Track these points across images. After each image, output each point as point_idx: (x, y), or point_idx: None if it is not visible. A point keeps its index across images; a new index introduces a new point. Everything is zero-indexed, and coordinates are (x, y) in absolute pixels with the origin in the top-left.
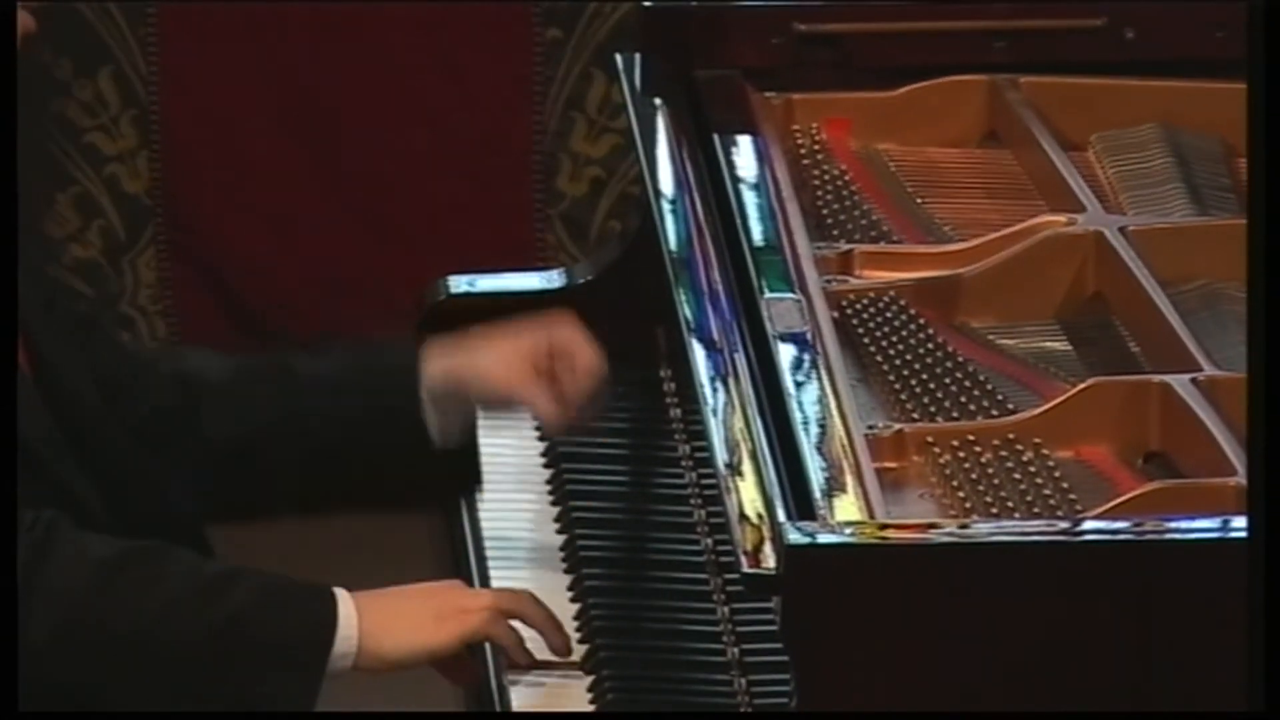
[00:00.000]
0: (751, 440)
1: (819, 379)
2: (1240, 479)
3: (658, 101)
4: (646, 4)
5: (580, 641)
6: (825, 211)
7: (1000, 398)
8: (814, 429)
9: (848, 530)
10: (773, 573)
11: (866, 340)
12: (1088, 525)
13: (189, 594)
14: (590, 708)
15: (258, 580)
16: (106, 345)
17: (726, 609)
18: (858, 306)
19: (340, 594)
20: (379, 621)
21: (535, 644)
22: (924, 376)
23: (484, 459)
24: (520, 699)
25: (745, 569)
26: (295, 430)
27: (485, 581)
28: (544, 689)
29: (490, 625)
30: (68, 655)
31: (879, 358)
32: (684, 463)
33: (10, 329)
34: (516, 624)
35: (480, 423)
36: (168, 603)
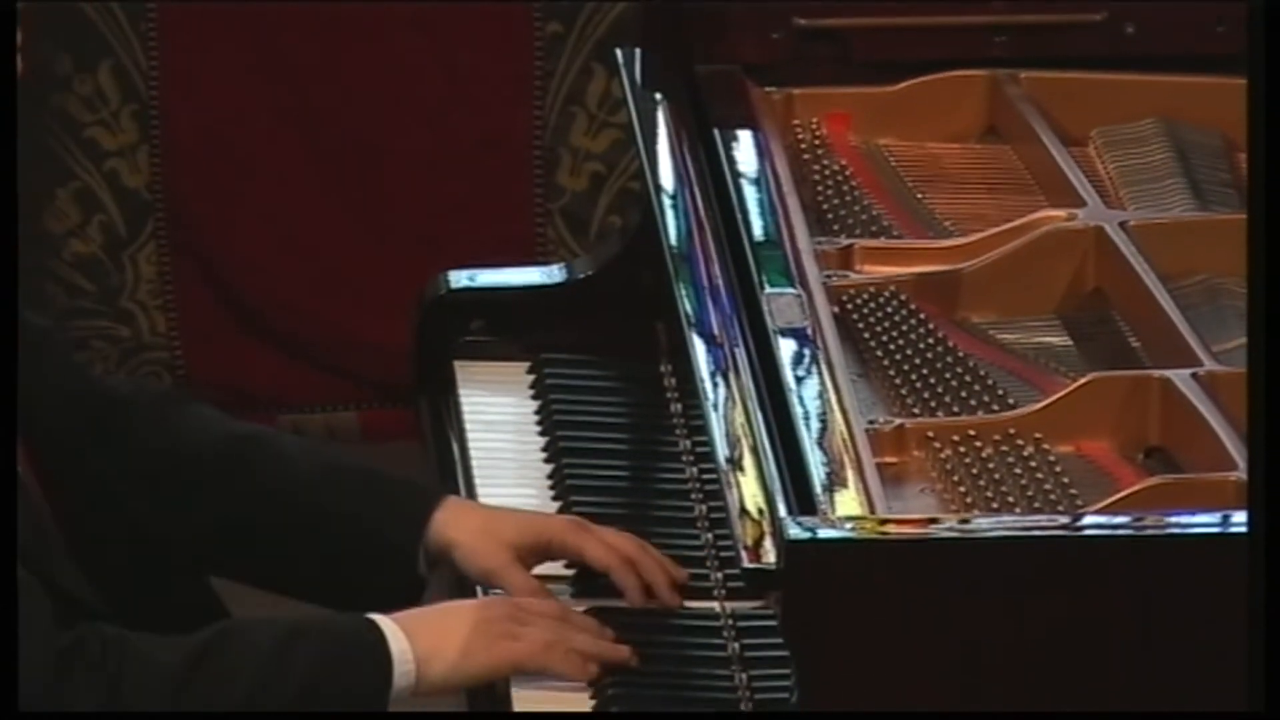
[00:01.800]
0: (752, 435)
1: (819, 374)
2: (1240, 474)
3: (658, 96)
4: None
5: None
6: (825, 206)
7: (1001, 393)
8: (815, 424)
9: (848, 525)
10: (773, 568)
11: (867, 335)
12: (1088, 520)
13: (259, 680)
14: (590, 703)
15: (310, 642)
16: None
17: (727, 604)
18: (858, 301)
19: (388, 630)
20: (432, 647)
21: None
22: (924, 371)
23: (482, 454)
24: (520, 691)
25: (746, 564)
26: (284, 543)
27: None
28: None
29: (545, 654)
30: None
31: (879, 353)
32: (685, 458)
33: (10, 329)
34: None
35: (477, 418)
36: (240, 699)
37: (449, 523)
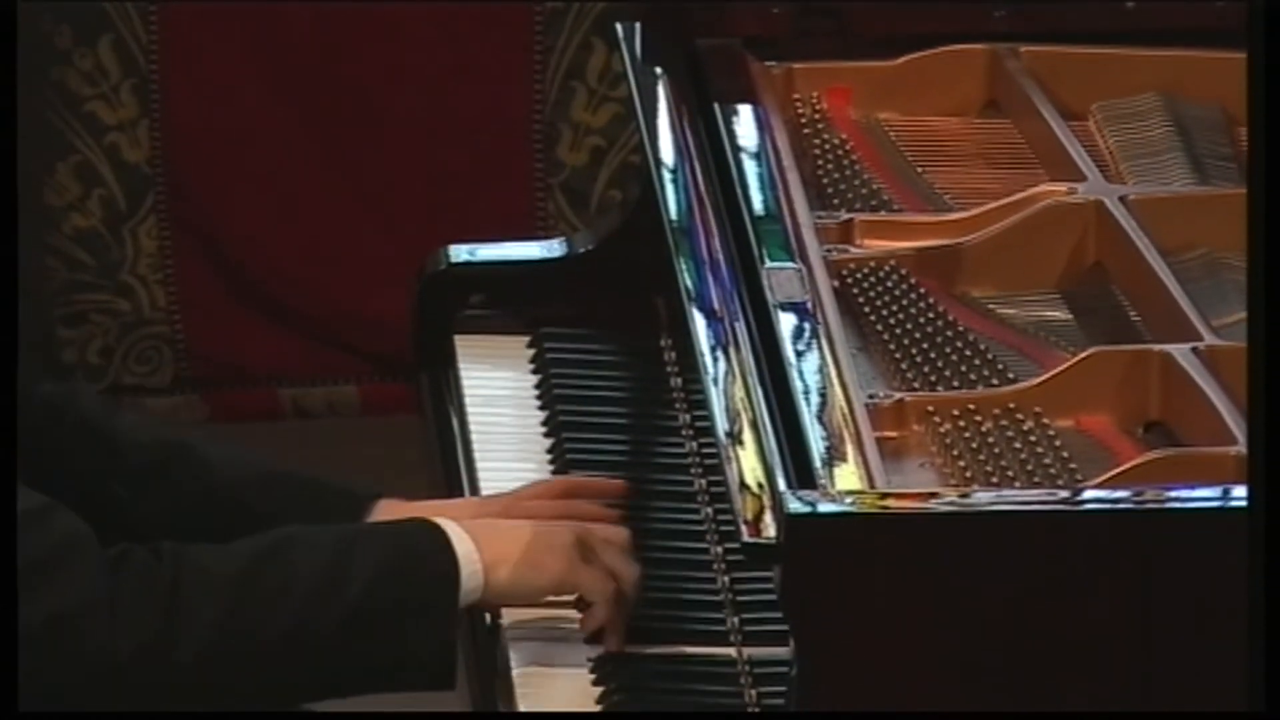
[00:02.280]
0: (752, 409)
1: (819, 348)
2: (1240, 448)
3: (658, 71)
4: None
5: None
6: (825, 181)
7: (1001, 367)
8: (814, 398)
9: (848, 499)
10: (773, 542)
11: (867, 309)
12: (1088, 495)
13: (317, 586)
14: (589, 675)
15: (371, 544)
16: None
17: (727, 578)
18: (858, 276)
19: (452, 533)
20: (500, 556)
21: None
22: (924, 346)
23: (482, 429)
24: (518, 656)
25: (745, 538)
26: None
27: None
28: (542, 646)
29: (603, 601)
30: (218, 675)
31: (879, 327)
32: (684, 432)
33: (10, 330)
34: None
35: (476, 392)
36: (303, 602)
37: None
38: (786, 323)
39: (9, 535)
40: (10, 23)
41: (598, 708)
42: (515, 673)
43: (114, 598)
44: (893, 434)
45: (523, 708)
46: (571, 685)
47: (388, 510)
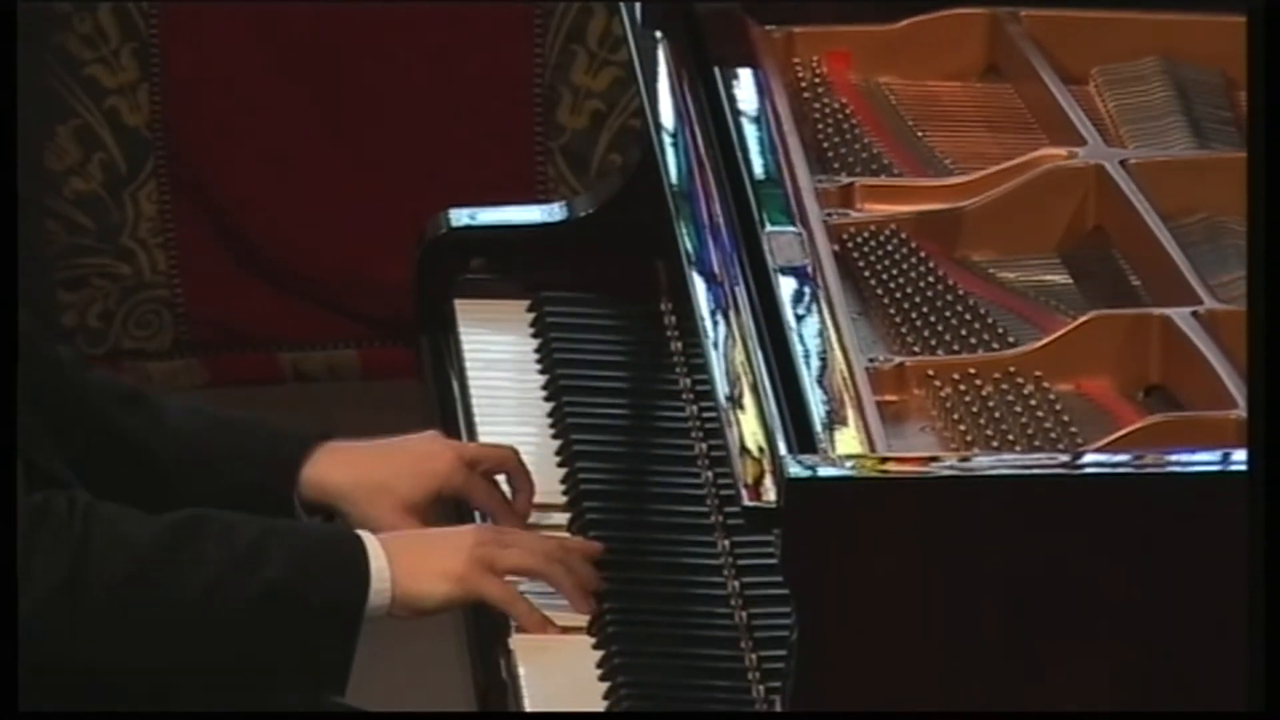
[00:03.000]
0: (752, 373)
1: (820, 312)
2: (1241, 412)
3: (658, 34)
4: None
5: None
6: (826, 145)
7: (1001, 331)
8: (815, 362)
9: (848, 464)
10: (773, 506)
11: (867, 273)
12: (1088, 459)
13: (227, 570)
14: (589, 641)
15: (290, 540)
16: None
17: (727, 542)
18: (858, 240)
19: (370, 544)
20: (412, 567)
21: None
22: (925, 310)
23: (483, 393)
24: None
25: (746, 502)
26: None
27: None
28: (541, 609)
29: (513, 603)
30: (114, 641)
31: (880, 291)
32: (685, 396)
33: (10, 327)
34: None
35: (477, 356)
36: (208, 584)
37: (328, 475)
38: (787, 287)
39: (9, 534)
40: (10, 22)
41: (598, 671)
42: (514, 638)
43: (25, 551)
44: (893, 398)
45: (522, 672)
46: (571, 650)
47: (328, 457)
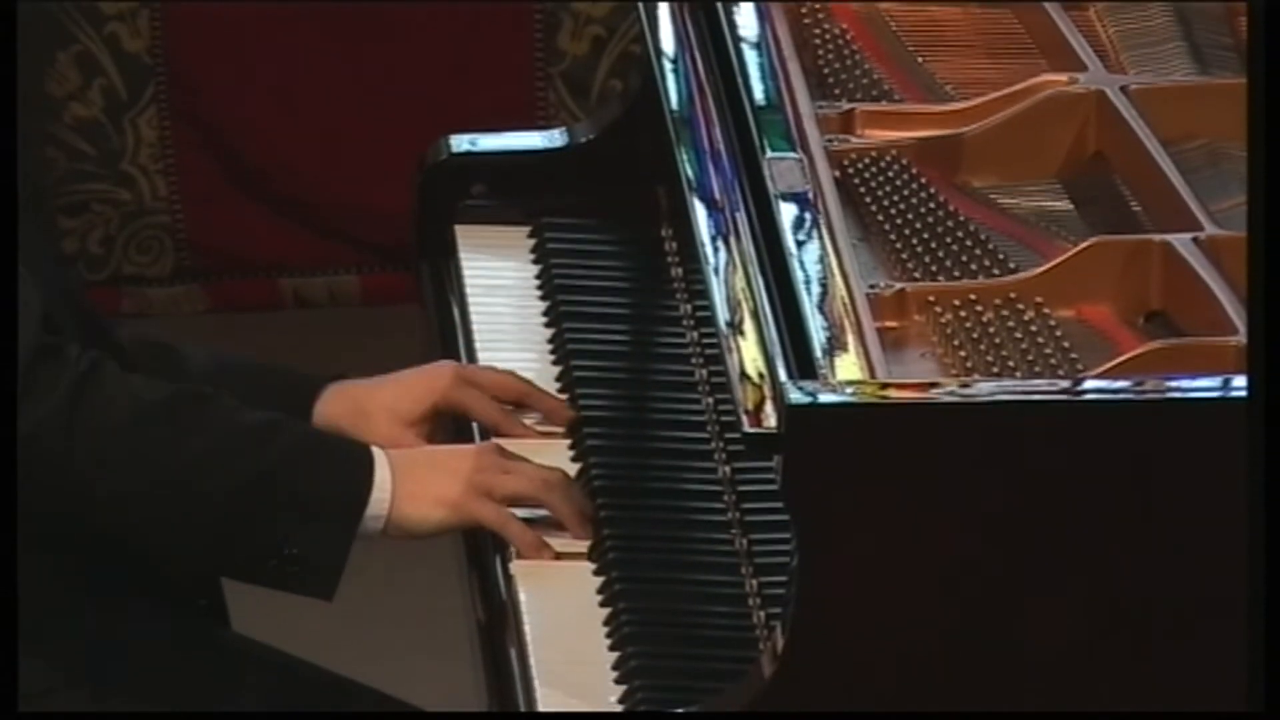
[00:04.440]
0: (753, 299)
1: (820, 238)
2: (1241, 338)
3: None
4: None
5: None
6: (826, 71)
7: (1001, 257)
8: (815, 288)
9: (849, 389)
10: (774, 432)
11: (868, 199)
12: (1089, 384)
13: (228, 441)
14: (590, 567)
15: (298, 433)
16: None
17: (728, 468)
18: (859, 166)
19: (378, 455)
20: (412, 489)
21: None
22: (925, 236)
23: (483, 319)
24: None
25: (746, 428)
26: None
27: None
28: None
29: (507, 526)
30: (106, 489)
31: (880, 217)
32: (685, 322)
33: (10, 323)
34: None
35: (477, 282)
36: (207, 449)
37: (332, 411)
38: (787, 213)
39: (9, 534)
40: (10, 22)
41: (598, 597)
42: (514, 563)
43: (29, 376)
44: (893, 324)
45: (523, 600)
46: (571, 576)
47: (335, 395)
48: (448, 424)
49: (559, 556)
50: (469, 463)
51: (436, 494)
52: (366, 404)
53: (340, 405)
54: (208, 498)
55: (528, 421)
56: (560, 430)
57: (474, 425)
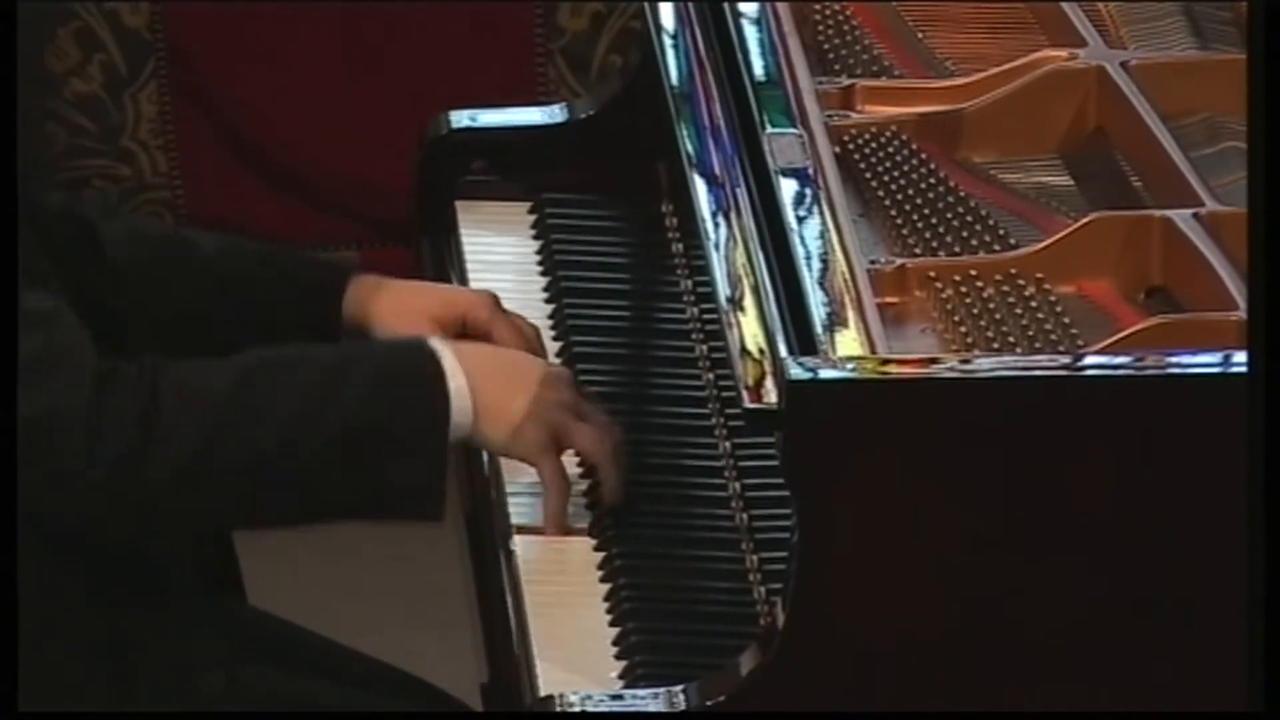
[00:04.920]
0: (753, 275)
1: (821, 214)
2: (1241, 313)
3: None
4: None
5: (582, 476)
6: (826, 46)
7: (1002, 233)
8: (816, 264)
9: (849, 365)
10: (774, 408)
11: (868, 175)
12: (1089, 360)
13: (303, 412)
14: (590, 540)
15: (366, 366)
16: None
17: (728, 444)
18: (859, 141)
19: (447, 361)
20: (488, 405)
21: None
22: (926, 211)
23: None
24: (520, 520)
25: (747, 404)
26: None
27: None
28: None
29: (557, 494)
30: (193, 493)
31: (881, 193)
32: (686, 298)
33: (10, 321)
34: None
35: (478, 258)
36: (287, 424)
37: (362, 298)
38: (788, 188)
39: (9, 535)
40: (10, 22)
41: (599, 573)
42: (516, 539)
43: (95, 412)
44: (894, 300)
45: (523, 575)
46: (572, 552)
47: (364, 285)
48: None
49: (569, 533)
50: (538, 376)
51: (509, 412)
52: (399, 303)
53: (373, 300)
54: (301, 464)
55: None
56: None
57: None
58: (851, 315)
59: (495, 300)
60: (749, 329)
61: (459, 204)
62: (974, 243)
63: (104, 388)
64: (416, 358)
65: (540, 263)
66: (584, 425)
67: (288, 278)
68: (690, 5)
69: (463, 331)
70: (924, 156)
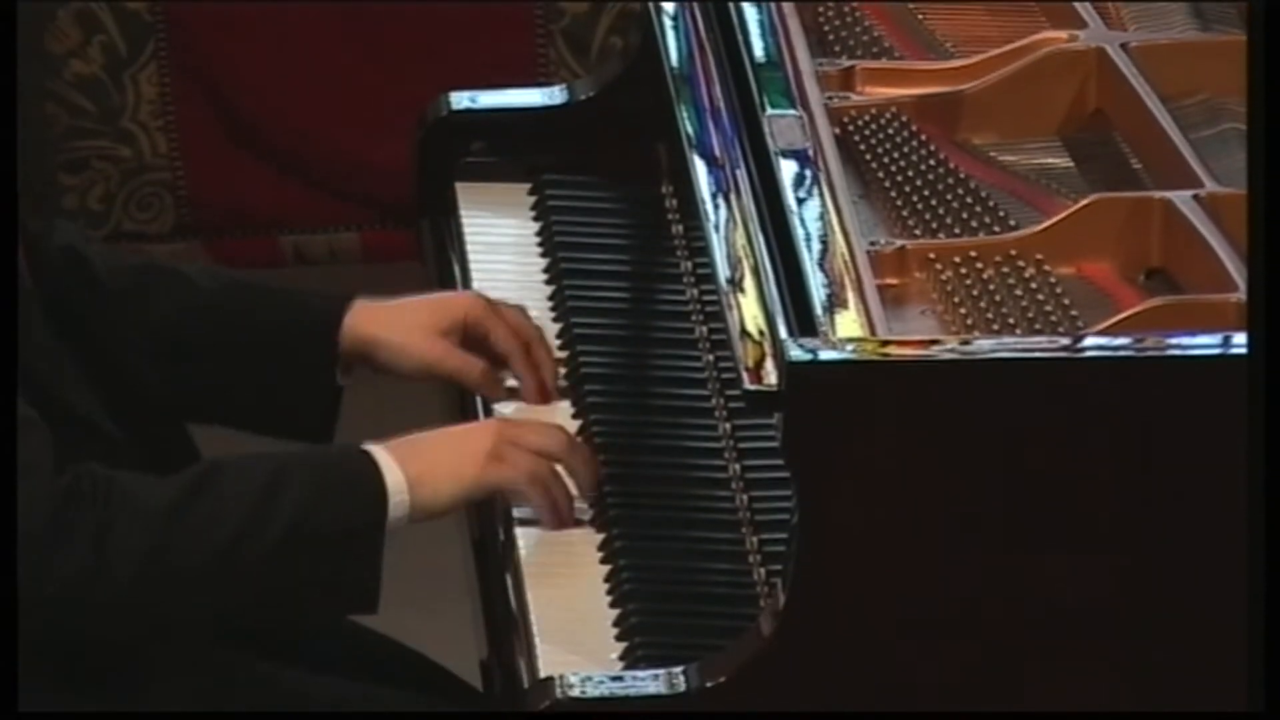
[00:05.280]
0: (753, 256)
1: (821, 195)
2: (1241, 295)
3: None
4: None
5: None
6: (827, 28)
7: (1002, 214)
8: (816, 245)
9: (849, 347)
10: (774, 389)
11: (868, 157)
12: (1089, 342)
13: (245, 520)
14: (596, 535)
15: (301, 475)
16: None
17: (728, 425)
18: (860, 123)
19: (382, 460)
20: (423, 472)
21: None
22: (926, 193)
23: (484, 276)
24: (520, 506)
25: (747, 385)
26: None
27: (486, 403)
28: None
29: (529, 486)
30: (141, 608)
31: (881, 174)
32: (685, 279)
33: (10, 321)
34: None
35: (478, 239)
36: (229, 536)
37: (363, 323)
38: (787, 170)
39: (9, 537)
40: (10, 22)
41: (599, 555)
42: (517, 524)
43: (51, 530)
44: (894, 281)
45: (524, 557)
46: (572, 534)
47: (364, 311)
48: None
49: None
50: (484, 442)
51: (455, 468)
52: (397, 321)
53: (371, 323)
54: (243, 576)
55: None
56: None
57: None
58: (851, 297)
59: (487, 299)
60: (749, 310)
61: (459, 185)
62: (974, 224)
63: (62, 507)
64: (349, 458)
65: (540, 244)
66: (531, 431)
67: (281, 308)
68: None
69: (465, 337)
70: (924, 138)
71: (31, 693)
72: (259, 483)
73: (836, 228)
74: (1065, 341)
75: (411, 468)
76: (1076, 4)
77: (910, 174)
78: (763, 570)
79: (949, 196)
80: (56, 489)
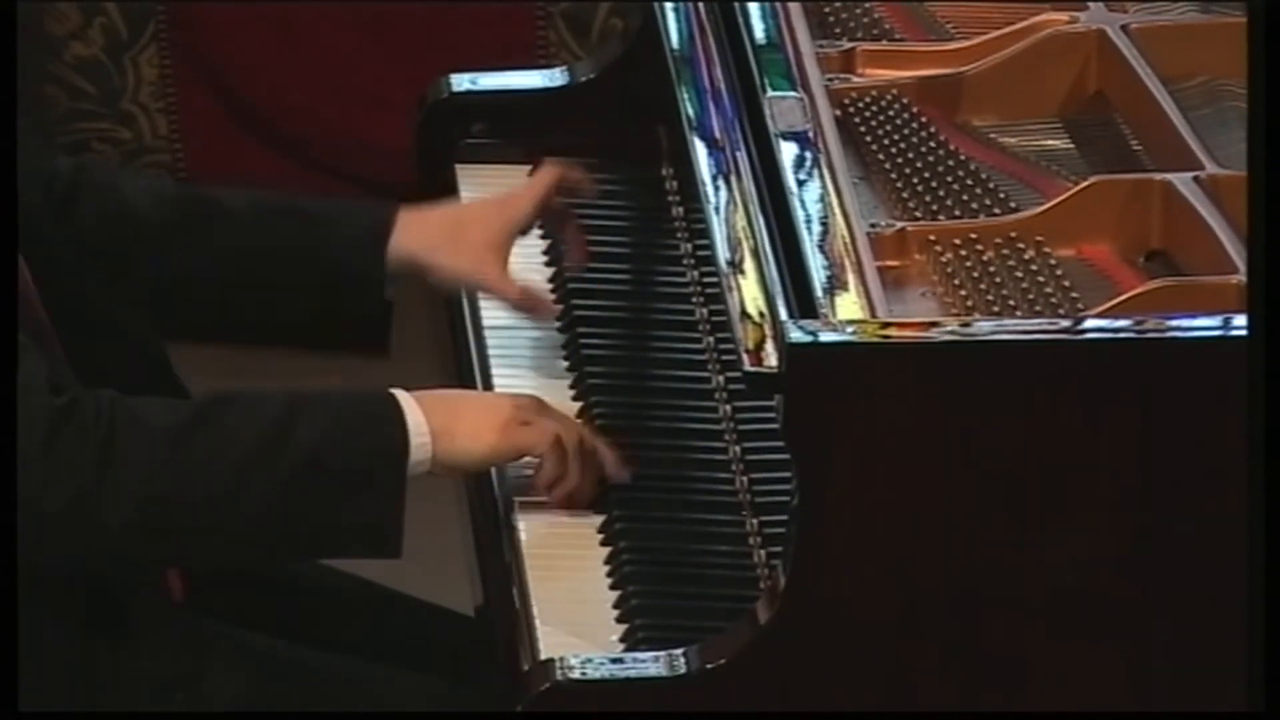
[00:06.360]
0: (753, 238)
1: (821, 177)
2: (1241, 277)
3: None
4: None
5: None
6: (827, 10)
7: (1002, 196)
8: (816, 227)
9: (849, 328)
10: (774, 371)
11: (869, 139)
12: (1089, 323)
13: (258, 447)
14: (597, 518)
15: (319, 409)
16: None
17: (728, 407)
18: (860, 105)
19: (405, 402)
20: (450, 427)
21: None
22: (926, 175)
23: None
24: (519, 487)
25: (747, 367)
26: (244, 285)
27: (487, 379)
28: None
29: (549, 452)
30: (148, 534)
31: (881, 156)
32: (686, 261)
33: (10, 323)
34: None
35: None
36: (241, 462)
37: (411, 243)
38: (788, 152)
39: (9, 536)
40: (10, 22)
41: (599, 537)
42: (518, 507)
43: (50, 450)
44: (894, 263)
45: (523, 537)
46: (573, 515)
47: (410, 222)
48: None
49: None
50: (508, 403)
51: (476, 428)
52: (448, 233)
53: (419, 237)
54: (256, 506)
55: None
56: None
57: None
58: (851, 278)
59: (535, 193)
60: (749, 292)
61: (459, 167)
62: (974, 206)
63: (59, 428)
64: (372, 398)
65: (540, 226)
66: (552, 417)
67: (329, 224)
68: None
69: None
70: (924, 120)
71: (26, 629)
72: (274, 413)
73: (837, 210)
74: (1066, 323)
75: (435, 419)
76: None
77: (910, 156)
78: (763, 552)
79: (949, 178)
80: (53, 406)
